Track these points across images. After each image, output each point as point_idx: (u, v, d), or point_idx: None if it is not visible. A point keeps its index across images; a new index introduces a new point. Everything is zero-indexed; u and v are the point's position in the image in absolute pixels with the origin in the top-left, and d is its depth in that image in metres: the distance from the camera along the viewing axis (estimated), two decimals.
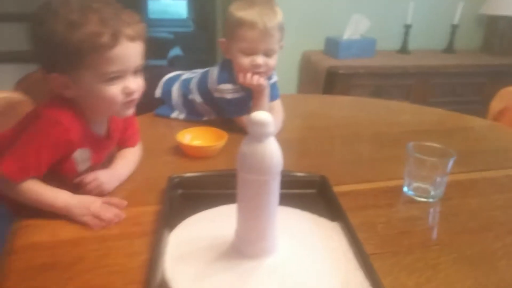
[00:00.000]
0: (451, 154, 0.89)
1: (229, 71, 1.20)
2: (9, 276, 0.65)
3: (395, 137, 1.28)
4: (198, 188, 0.89)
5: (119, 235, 0.75)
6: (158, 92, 1.32)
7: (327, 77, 2.31)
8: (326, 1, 2.55)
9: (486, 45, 2.80)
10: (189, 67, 1.44)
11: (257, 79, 1.15)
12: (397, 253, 0.74)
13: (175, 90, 1.30)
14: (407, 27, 2.58)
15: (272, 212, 0.65)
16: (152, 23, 5.11)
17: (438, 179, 0.90)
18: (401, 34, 2.62)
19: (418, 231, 0.82)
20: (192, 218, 0.79)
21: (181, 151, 1.07)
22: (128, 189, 0.90)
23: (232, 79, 1.19)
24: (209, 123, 1.23)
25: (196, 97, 1.26)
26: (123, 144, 0.99)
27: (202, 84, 1.25)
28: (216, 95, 1.21)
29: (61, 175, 0.85)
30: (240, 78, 1.16)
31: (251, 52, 1.13)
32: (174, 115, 1.31)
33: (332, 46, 2.47)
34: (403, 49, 2.63)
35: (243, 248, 0.68)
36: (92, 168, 0.89)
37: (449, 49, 2.70)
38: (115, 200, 0.82)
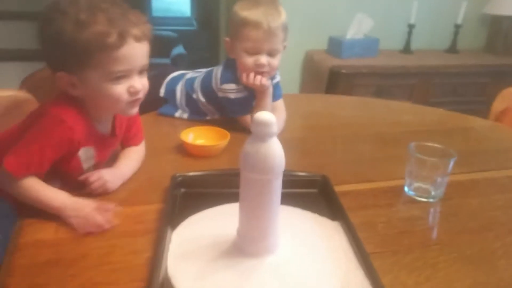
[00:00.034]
0: (452, 155, 0.90)
1: (232, 71, 1.21)
2: (13, 273, 0.66)
3: (397, 137, 1.29)
4: (201, 187, 0.90)
5: (123, 233, 0.76)
6: (161, 91, 1.33)
7: (330, 77, 2.31)
8: (330, 0, 2.55)
9: (489, 45, 2.79)
10: (192, 65, 1.45)
11: (259, 80, 1.16)
12: (397, 252, 0.75)
13: (179, 89, 1.31)
14: (411, 27, 2.58)
15: (274, 211, 0.66)
16: (156, 21, 5.11)
17: (439, 179, 0.91)
18: (404, 33, 2.62)
19: (418, 231, 0.83)
20: (194, 216, 0.80)
21: (184, 150, 1.08)
22: (131, 188, 0.91)
23: (235, 79, 1.20)
24: (212, 123, 1.24)
25: (200, 97, 1.27)
26: (126, 142, 1.00)
27: (206, 84, 1.26)
28: (220, 94, 1.22)
29: (67, 172, 0.86)
30: (243, 78, 1.17)
31: (255, 52, 1.14)
32: (178, 114, 1.31)
33: (335, 45, 2.47)
34: (406, 49, 2.63)
35: (245, 246, 0.69)
36: (97, 166, 0.91)
37: (452, 49, 2.70)
38: (109, 205, 0.80)
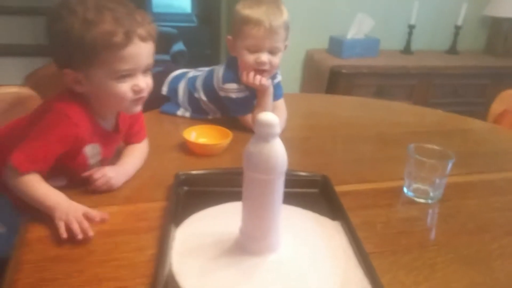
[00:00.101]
0: (451, 156, 0.91)
1: (234, 71, 1.21)
2: (21, 268, 0.67)
3: (396, 137, 1.30)
4: (204, 185, 0.91)
5: (127, 230, 0.78)
6: (164, 90, 1.34)
7: (331, 76, 2.32)
8: (331, 0, 2.55)
9: (489, 47, 2.81)
10: (192, 62, 1.45)
11: (259, 80, 1.16)
12: (396, 252, 0.76)
13: (181, 88, 1.32)
14: (411, 27, 2.58)
15: (276, 210, 0.67)
16: (156, 17, 5.06)
17: (437, 180, 0.92)
18: (405, 34, 2.63)
19: (416, 231, 0.84)
20: (197, 214, 0.81)
21: (186, 148, 1.09)
22: (135, 185, 0.92)
23: (237, 79, 1.21)
24: (214, 122, 1.25)
25: (202, 96, 1.28)
26: (129, 140, 1.01)
27: (208, 83, 1.26)
28: (221, 94, 1.23)
29: (73, 169, 0.87)
30: (243, 77, 1.18)
31: (256, 50, 1.15)
32: (180, 112, 1.32)
33: (336, 45, 2.48)
34: (407, 49, 2.64)
35: (247, 245, 0.70)
36: (102, 163, 0.92)
37: (452, 50, 2.71)
38: (94, 213, 0.78)
